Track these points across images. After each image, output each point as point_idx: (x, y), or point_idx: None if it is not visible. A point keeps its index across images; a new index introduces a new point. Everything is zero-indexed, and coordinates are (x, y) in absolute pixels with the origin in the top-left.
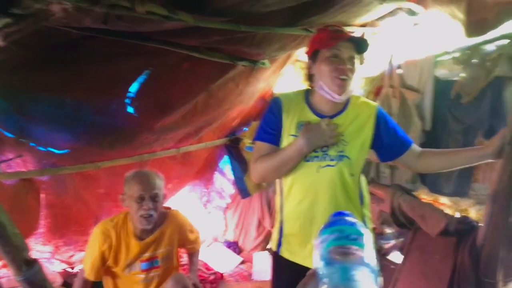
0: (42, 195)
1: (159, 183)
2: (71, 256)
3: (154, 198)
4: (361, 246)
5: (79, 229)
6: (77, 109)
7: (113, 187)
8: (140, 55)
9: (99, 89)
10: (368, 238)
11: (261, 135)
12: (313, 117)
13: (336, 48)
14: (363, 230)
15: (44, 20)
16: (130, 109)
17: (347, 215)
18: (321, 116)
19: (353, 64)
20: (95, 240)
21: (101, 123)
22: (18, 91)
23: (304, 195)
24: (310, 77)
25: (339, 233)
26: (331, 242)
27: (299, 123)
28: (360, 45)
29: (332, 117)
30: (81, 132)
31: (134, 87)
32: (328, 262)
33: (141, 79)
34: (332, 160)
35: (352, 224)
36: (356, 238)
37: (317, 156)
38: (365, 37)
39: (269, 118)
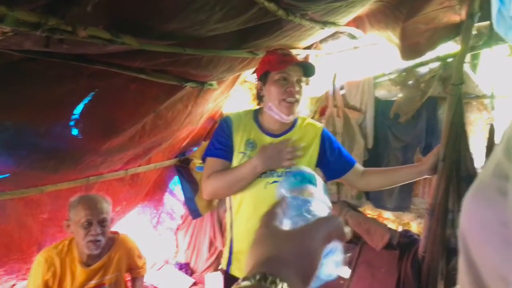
0: None
1: (106, 207)
2: (13, 285)
3: (102, 223)
4: (322, 190)
5: (21, 257)
6: (19, 132)
7: (58, 212)
8: (85, 76)
9: (42, 111)
10: (320, 182)
11: (212, 151)
12: (261, 135)
13: (285, 72)
14: (317, 176)
15: None
16: (74, 132)
17: (307, 169)
18: (269, 134)
19: (300, 86)
20: (38, 269)
21: (44, 146)
22: None
23: (252, 211)
24: (260, 98)
25: (302, 177)
26: (296, 183)
27: (247, 141)
28: (307, 69)
29: (279, 135)
30: (23, 156)
31: (79, 109)
32: (289, 195)
33: (86, 100)
34: (279, 176)
35: (311, 172)
36: (311, 180)
37: (264, 173)
38: (309, 59)
39: (220, 136)
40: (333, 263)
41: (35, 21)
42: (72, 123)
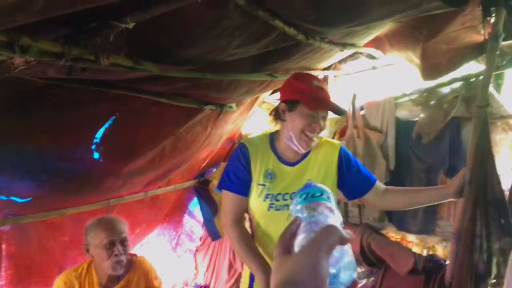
0: (3, 246)
1: (124, 227)
2: None
3: (123, 243)
4: (324, 199)
5: (42, 280)
6: (41, 156)
7: (79, 235)
8: (106, 101)
9: (63, 136)
10: (332, 195)
11: (228, 185)
12: (279, 165)
13: (316, 111)
14: (325, 188)
15: (7, 72)
16: (96, 155)
17: (315, 182)
18: (286, 163)
19: (325, 122)
20: None
21: (66, 170)
22: None
23: (274, 241)
24: (279, 117)
25: (306, 194)
26: (301, 201)
27: (266, 171)
28: (337, 112)
29: (295, 163)
30: (45, 180)
31: (100, 133)
32: (300, 214)
33: (107, 124)
34: None
35: (315, 185)
36: (320, 195)
37: (286, 205)
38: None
39: (237, 168)
40: (347, 267)
41: (59, 51)
42: (93, 146)
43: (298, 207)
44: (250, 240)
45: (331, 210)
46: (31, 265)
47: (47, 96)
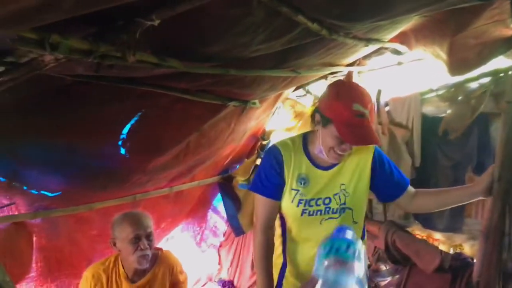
0: (35, 239)
1: (149, 222)
2: None
3: (149, 237)
4: (348, 256)
5: (72, 272)
6: (70, 152)
7: (106, 229)
8: (132, 98)
9: (92, 132)
10: (359, 250)
11: (261, 189)
12: (312, 169)
13: None
14: (354, 243)
15: (37, 69)
16: (122, 151)
17: (345, 229)
18: (319, 167)
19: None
20: (86, 284)
21: (94, 165)
22: (11, 136)
23: (307, 244)
24: (314, 121)
25: (331, 246)
26: (323, 255)
27: (299, 176)
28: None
29: (329, 168)
30: (74, 175)
31: (126, 129)
32: (322, 272)
33: (133, 121)
34: (334, 213)
35: (344, 237)
36: (345, 250)
37: (319, 210)
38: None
39: (270, 172)
40: None
41: (87, 48)
42: (120, 142)
43: (320, 261)
44: (270, 256)
45: (352, 270)
46: (61, 257)
47: (76, 93)
